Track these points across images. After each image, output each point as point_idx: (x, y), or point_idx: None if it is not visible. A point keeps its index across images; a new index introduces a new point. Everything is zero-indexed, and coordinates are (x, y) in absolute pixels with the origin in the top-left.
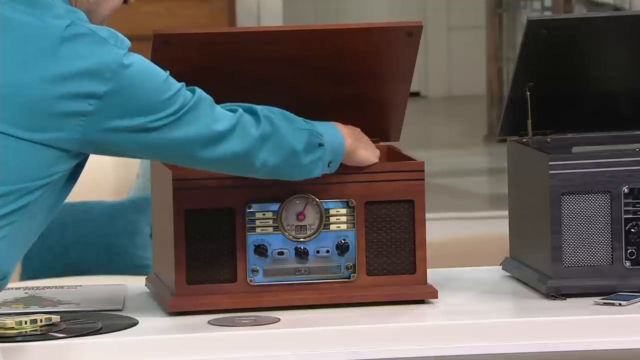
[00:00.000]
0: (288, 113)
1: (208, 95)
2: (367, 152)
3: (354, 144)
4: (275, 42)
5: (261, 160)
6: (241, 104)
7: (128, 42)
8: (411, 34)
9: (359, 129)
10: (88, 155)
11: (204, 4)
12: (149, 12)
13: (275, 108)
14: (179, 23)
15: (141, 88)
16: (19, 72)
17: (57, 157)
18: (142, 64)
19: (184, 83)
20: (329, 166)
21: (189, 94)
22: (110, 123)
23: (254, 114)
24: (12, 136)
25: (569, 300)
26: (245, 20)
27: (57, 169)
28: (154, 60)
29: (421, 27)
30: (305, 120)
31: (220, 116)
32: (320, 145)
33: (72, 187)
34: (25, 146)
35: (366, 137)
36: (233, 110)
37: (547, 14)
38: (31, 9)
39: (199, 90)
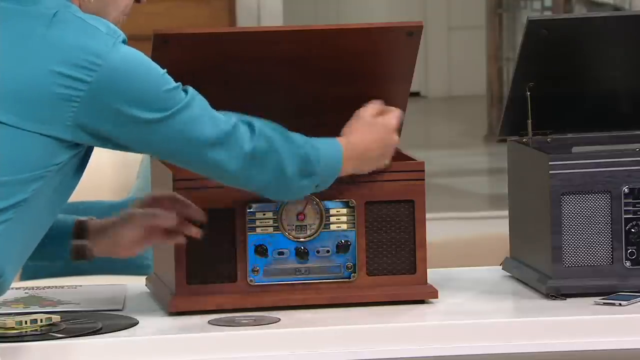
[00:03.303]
0: (289, 133)
1: (203, 98)
2: (367, 169)
3: (353, 169)
4: (275, 42)
5: (247, 176)
6: (243, 115)
7: (123, 35)
8: (411, 34)
9: (378, 141)
10: (88, 153)
11: (204, 4)
12: (149, 12)
13: (277, 125)
14: (179, 23)
15: (133, 78)
16: (9, 60)
17: (52, 146)
18: (135, 55)
19: (180, 83)
20: (316, 188)
21: (183, 93)
22: (100, 109)
23: (251, 127)
24: (6, 124)
25: (569, 300)
26: (245, 20)
27: (53, 160)
28: (154, 60)
29: (421, 27)
30: (307, 139)
31: (214, 121)
32: (313, 173)
33: (73, 188)
34: (20, 135)
35: (377, 152)
36: (229, 119)
37: (547, 14)
38: (16, 2)
39: (192, 91)
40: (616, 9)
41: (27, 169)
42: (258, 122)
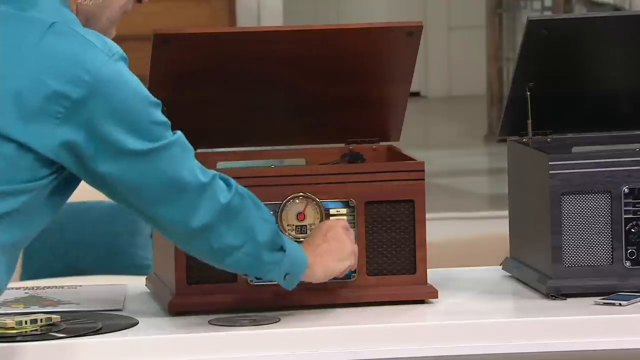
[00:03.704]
0: (259, 201)
1: (189, 144)
2: (334, 264)
3: (314, 261)
4: (275, 42)
5: (218, 232)
6: (220, 173)
7: (119, 51)
8: (411, 34)
9: (336, 239)
10: (75, 177)
11: (204, 4)
12: (149, 12)
13: (249, 191)
14: (179, 23)
15: (120, 98)
16: (3, 65)
17: (36, 160)
18: (126, 77)
19: (169, 122)
20: (285, 278)
21: (170, 132)
22: (82, 128)
23: (227, 183)
24: None
25: (569, 300)
26: (245, 20)
27: (38, 173)
28: (154, 60)
29: (421, 27)
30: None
31: (195, 168)
32: (282, 249)
33: (63, 202)
34: (7, 144)
35: (339, 249)
36: (208, 170)
37: (547, 14)
38: (14, 6)
39: (180, 134)
40: (616, 9)
41: (15, 180)
42: (234, 181)
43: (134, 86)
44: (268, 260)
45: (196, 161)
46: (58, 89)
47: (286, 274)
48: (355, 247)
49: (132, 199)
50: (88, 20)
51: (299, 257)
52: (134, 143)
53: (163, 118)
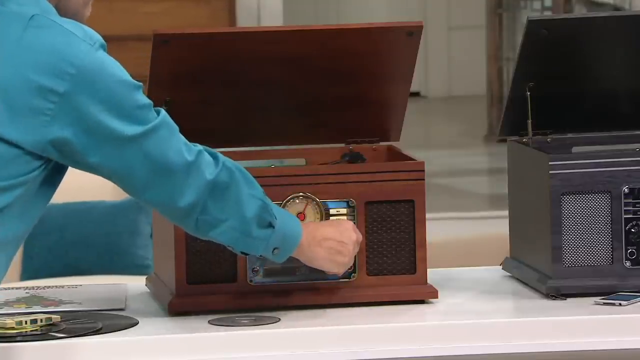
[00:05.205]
0: (250, 176)
1: (172, 121)
2: (324, 262)
3: (309, 247)
4: (275, 42)
5: (203, 207)
6: (207, 147)
7: (100, 39)
8: (411, 34)
9: (344, 240)
10: (62, 165)
11: (204, 4)
12: (149, 12)
13: (240, 166)
14: (179, 23)
15: (107, 90)
16: None
17: (26, 155)
18: (109, 64)
19: (152, 102)
20: (273, 252)
21: (154, 113)
22: (73, 120)
23: (214, 157)
24: None
25: (569, 300)
26: (245, 20)
27: (27, 168)
28: (154, 60)
29: (421, 27)
30: (266, 195)
31: (181, 146)
32: (271, 225)
33: (51, 192)
34: None
35: (339, 254)
36: (195, 146)
37: (547, 14)
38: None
39: (163, 113)
40: (616, 9)
41: (8, 176)
42: (222, 156)
43: (117, 73)
44: (255, 235)
45: (181, 138)
46: (44, 84)
47: (274, 248)
48: (351, 262)
49: (121, 185)
50: (60, 1)
51: (292, 232)
52: (123, 129)
53: (146, 100)
